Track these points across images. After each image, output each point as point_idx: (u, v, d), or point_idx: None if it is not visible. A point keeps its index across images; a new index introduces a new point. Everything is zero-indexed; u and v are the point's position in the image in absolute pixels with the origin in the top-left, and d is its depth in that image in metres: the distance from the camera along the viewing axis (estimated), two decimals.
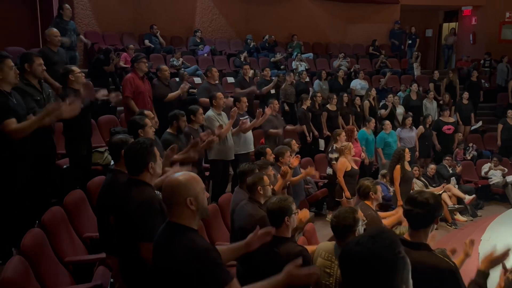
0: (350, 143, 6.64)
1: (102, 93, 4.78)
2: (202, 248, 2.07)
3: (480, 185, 8.96)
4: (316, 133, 8.57)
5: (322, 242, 3.26)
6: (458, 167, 8.69)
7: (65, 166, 5.24)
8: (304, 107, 8.42)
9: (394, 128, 8.82)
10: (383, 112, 9.54)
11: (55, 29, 6.08)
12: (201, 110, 5.64)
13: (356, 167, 6.58)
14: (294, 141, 6.31)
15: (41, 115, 3.70)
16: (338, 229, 2.90)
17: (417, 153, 8.80)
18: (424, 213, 2.34)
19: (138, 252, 2.56)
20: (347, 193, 6.28)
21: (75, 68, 4.99)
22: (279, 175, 4.76)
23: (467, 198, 7.88)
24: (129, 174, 2.77)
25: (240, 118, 6.38)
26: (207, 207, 2.26)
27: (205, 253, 2.05)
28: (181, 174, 2.21)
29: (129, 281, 2.78)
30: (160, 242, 2.18)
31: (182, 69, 9.53)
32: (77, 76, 4.93)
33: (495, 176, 8.97)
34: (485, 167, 9.18)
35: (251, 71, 8.87)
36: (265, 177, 3.73)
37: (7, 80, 3.76)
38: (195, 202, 2.13)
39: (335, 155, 6.83)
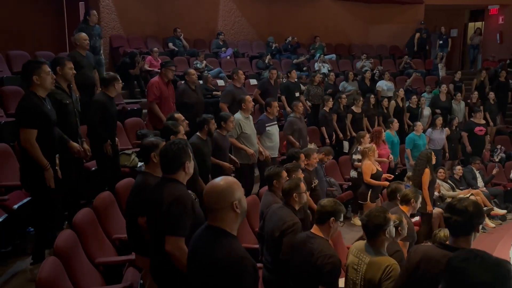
0: (374, 145, 6.57)
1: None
2: (240, 256, 2.09)
3: (509, 188, 8.75)
4: (341, 135, 8.51)
5: (357, 241, 3.32)
6: (495, 169, 8.55)
7: (93, 168, 5.33)
8: (326, 108, 8.37)
9: None
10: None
11: (83, 33, 6.19)
12: (232, 118, 5.62)
13: (380, 169, 6.51)
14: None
15: (46, 166, 3.78)
16: (368, 228, 2.94)
17: (447, 154, 8.66)
18: (463, 220, 2.30)
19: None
20: (384, 182, 6.22)
21: (119, 78, 5.11)
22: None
23: (496, 210, 7.77)
24: (164, 174, 2.85)
25: (266, 125, 6.38)
26: (247, 209, 2.30)
27: (243, 261, 2.07)
28: (222, 179, 2.23)
29: (160, 281, 2.82)
30: (199, 245, 2.20)
31: (206, 71, 9.59)
32: (119, 86, 5.11)
33: None
34: None
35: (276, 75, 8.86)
36: (302, 184, 3.74)
37: (43, 86, 3.85)
38: (240, 205, 2.16)
39: (358, 156, 6.79)
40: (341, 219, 3.12)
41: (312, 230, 3.13)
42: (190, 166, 2.84)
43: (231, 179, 2.24)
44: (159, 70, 6.73)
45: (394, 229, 3.00)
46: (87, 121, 5.05)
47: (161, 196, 2.70)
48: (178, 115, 4.72)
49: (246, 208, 2.25)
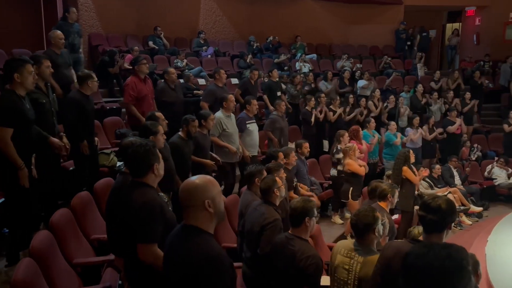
0: (354, 144, 6.63)
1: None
2: (217, 254, 2.08)
3: (485, 186, 8.95)
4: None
5: (341, 240, 3.32)
6: (467, 168, 8.72)
7: (71, 168, 5.25)
8: (308, 108, 8.42)
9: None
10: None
11: (59, 31, 6.07)
12: (212, 116, 5.63)
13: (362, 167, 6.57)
14: (307, 144, 6.36)
15: (21, 165, 3.71)
16: (358, 227, 2.96)
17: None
18: (437, 219, 2.36)
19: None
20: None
21: (94, 76, 5.03)
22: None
23: (473, 208, 7.93)
24: (132, 177, 2.78)
25: (247, 122, 6.39)
26: (224, 211, 2.26)
27: (219, 259, 2.07)
28: (197, 177, 2.21)
29: (135, 283, 2.79)
30: (175, 244, 2.18)
31: (187, 70, 9.54)
32: (94, 84, 5.02)
33: (499, 175, 8.97)
34: (488, 167, 9.21)
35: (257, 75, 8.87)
36: (278, 179, 3.77)
37: (24, 85, 3.78)
38: (213, 205, 2.14)
39: (340, 155, 6.83)
40: (315, 214, 3.13)
41: (290, 232, 3.13)
42: (160, 167, 2.78)
43: (207, 177, 2.23)
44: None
45: (382, 227, 3.05)
46: (63, 120, 4.97)
47: (130, 201, 2.64)
48: (158, 114, 4.68)
49: (223, 209, 2.22)
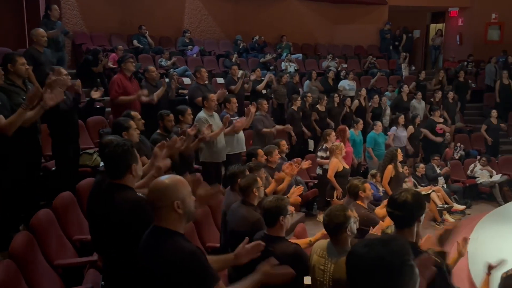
0: (342, 144, 6.66)
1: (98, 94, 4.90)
2: (188, 251, 2.05)
3: (468, 184, 9.08)
4: (308, 133, 8.58)
5: (319, 240, 3.29)
6: (447, 167, 8.81)
7: (53, 168, 5.18)
8: (294, 107, 8.43)
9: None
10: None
11: (41, 29, 6.00)
12: (189, 111, 5.60)
13: (347, 167, 6.60)
14: (284, 142, 6.33)
15: (25, 104, 3.74)
16: (329, 227, 2.94)
17: (410, 148, 8.91)
18: (404, 214, 2.36)
19: (123, 254, 2.52)
20: (338, 191, 6.27)
21: (63, 70, 4.95)
22: (271, 178, 4.76)
23: (456, 206, 8.03)
24: (110, 179, 2.65)
25: (231, 119, 6.37)
26: (194, 211, 2.22)
27: (191, 256, 2.04)
28: (167, 177, 2.18)
29: (113, 281, 2.74)
30: (146, 246, 2.14)
31: (172, 69, 9.49)
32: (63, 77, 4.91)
33: (481, 174, 9.11)
34: (471, 166, 9.34)
35: (240, 72, 8.85)
36: (258, 179, 3.74)
37: None
38: (182, 206, 2.10)
39: (323, 154, 6.86)
40: (289, 212, 3.10)
41: (266, 232, 3.09)
42: (138, 168, 2.68)
43: (177, 177, 2.18)
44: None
45: (355, 225, 3.04)
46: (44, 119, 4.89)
47: (112, 205, 2.54)
48: (134, 113, 4.62)
49: (193, 209, 2.18)
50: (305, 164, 5.23)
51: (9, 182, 3.76)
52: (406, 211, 2.34)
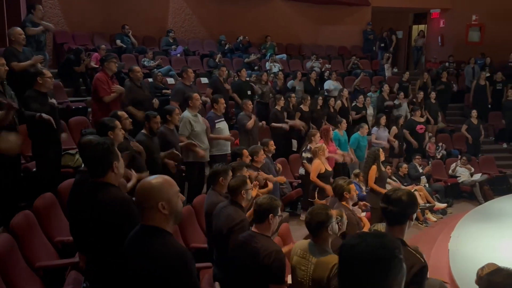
0: (324, 145, 6.68)
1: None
2: (179, 251, 2.06)
3: (449, 183, 9.21)
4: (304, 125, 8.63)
5: (299, 241, 3.30)
6: (429, 166, 8.95)
7: (34, 169, 5.10)
8: (278, 107, 8.45)
9: None
10: (354, 115, 9.72)
11: (18, 28, 5.91)
12: (177, 111, 5.59)
13: (330, 169, 6.62)
14: (272, 142, 6.35)
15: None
16: (311, 226, 2.96)
17: (396, 149, 9.02)
18: (397, 210, 2.43)
19: (109, 253, 2.50)
20: (329, 190, 6.19)
21: (46, 71, 4.88)
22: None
23: (437, 205, 8.15)
24: (92, 177, 2.65)
25: (215, 121, 6.35)
26: (181, 212, 2.22)
27: (181, 257, 2.05)
28: (154, 177, 2.17)
29: (96, 280, 2.72)
30: (134, 245, 2.14)
31: (155, 69, 9.43)
32: (45, 80, 4.85)
33: (462, 173, 9.26)
34: (453, 165, 9.49)
35: (226, 72, 8.84)
36: (248, 181, 3.75)
37: None
38: (168, 206, 2.10)
39: (308, 155, 6.88)
40: (279, 213, 3.14)
41: (253, 229, 3.13)
42: (120, 166, 2.68)
43: (163, 178, 2.18)
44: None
45: (336, 225, 3.06)
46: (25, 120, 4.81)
47: (99, 204, 2.53)
48: (121, 113, 4.59)
49: (180, 210, 2.18)
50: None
51: None
52: (400, 207, 2.42)
